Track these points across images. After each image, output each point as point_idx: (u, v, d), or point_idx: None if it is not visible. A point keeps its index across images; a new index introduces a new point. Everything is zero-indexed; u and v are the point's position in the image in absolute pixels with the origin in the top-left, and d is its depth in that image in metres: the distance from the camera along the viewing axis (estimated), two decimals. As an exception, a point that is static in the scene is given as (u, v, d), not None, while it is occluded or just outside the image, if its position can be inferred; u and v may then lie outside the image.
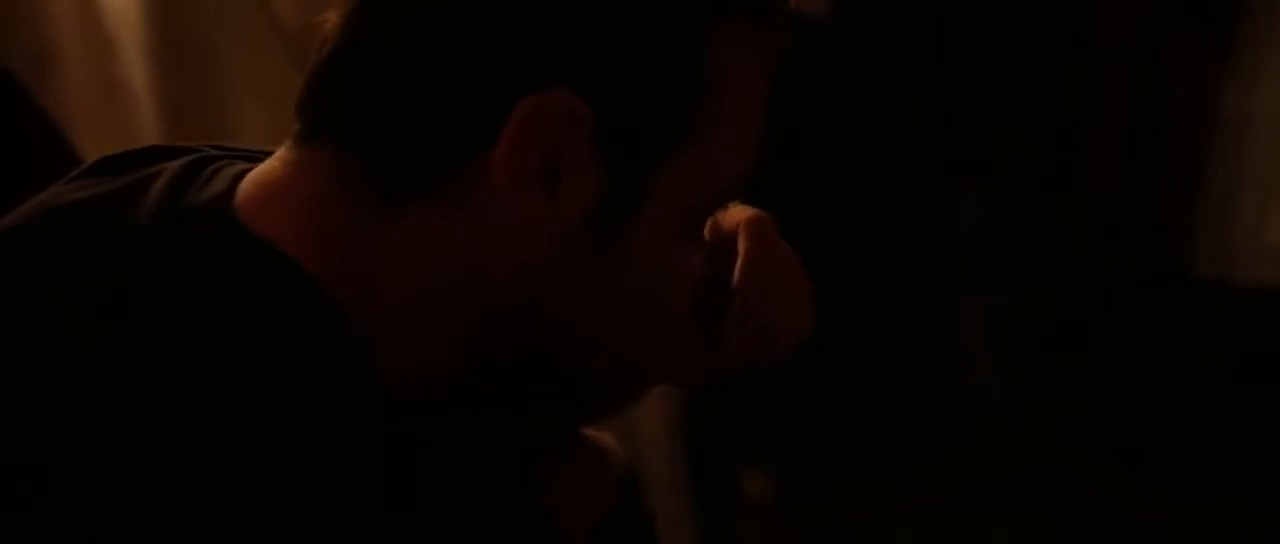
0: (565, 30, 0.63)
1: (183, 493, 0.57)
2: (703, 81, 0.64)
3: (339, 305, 0.63)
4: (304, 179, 0.66)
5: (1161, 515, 2.76)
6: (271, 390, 0.59)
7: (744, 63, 0.66)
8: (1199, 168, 2.73)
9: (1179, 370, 2.96)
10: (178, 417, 0.58)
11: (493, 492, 0.65)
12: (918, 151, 2.94)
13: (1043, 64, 2.92)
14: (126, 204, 0.67)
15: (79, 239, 0.67)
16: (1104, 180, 2.92)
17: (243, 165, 0.69)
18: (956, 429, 3.06)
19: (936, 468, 2.93)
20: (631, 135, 0.64)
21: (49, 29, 1.91)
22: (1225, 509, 2.78)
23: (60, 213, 0.69)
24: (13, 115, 1.67)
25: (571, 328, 0.67)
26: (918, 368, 2.85)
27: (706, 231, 0.74)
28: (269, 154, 0.70)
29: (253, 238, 0.64)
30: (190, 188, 0.67)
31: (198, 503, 0.57)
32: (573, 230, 0.64)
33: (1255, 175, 2.64)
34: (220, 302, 0.61)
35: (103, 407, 0.59)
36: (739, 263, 0.74)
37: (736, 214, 0.76)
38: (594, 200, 0.64)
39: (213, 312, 0.61)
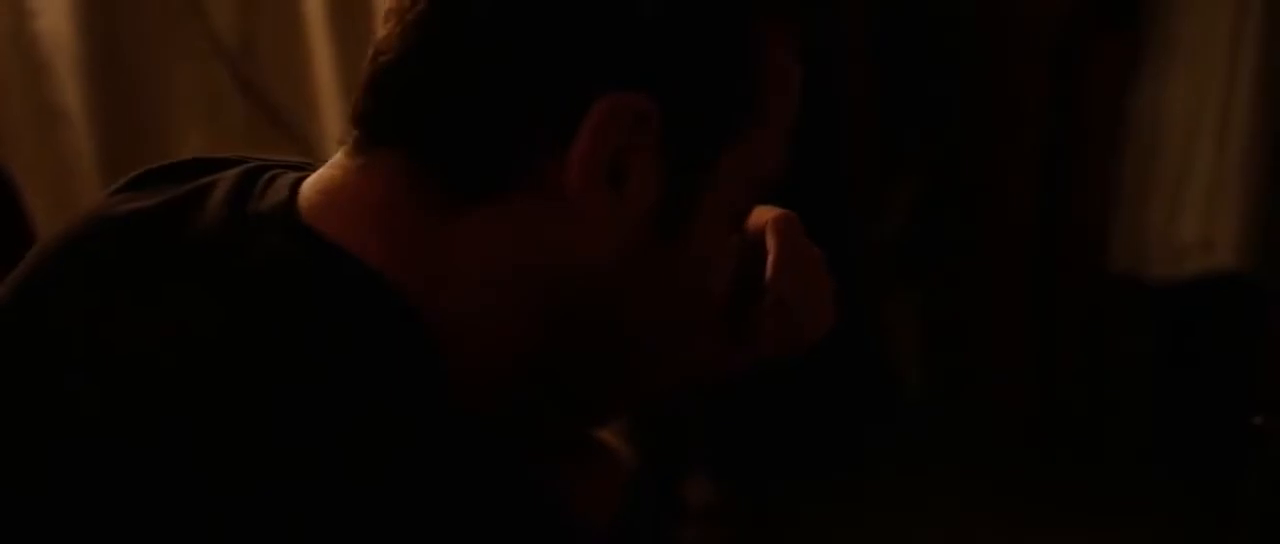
0: (632, 33, 0.64)
1: (274, 489, 0.57)
2: (754, 77, 0.66)
3: (411, 307, 0.64)
4: (370, 185, 0.66)
5: (1087, 503, 2.84)
6: (349, 390, 0.60)
7: (785, 58, 0.68)
8: (1113, 169, 2.80)
9: (1099, 364, 3.04)
10: (260, 420, 0.58)
11: (516, 487, 0.64)
12: (847, 154, 2.99)
13: (964, 69, 2.98)
14: (185, 215, 0.68)
15: (145, 251, 0.67)
16: (1024, 182, 2.98)
17: (295, 174, 0.70)
18: (890, 426, 3.11)
19: (873, 465, 2.98)
20: (694, 133, 0.65)
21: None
22: (1143, 499, 2.87)
23: (118, 225, 0.69)
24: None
25: (624, 323, 0.68)
26: (849, 367, 2.90)
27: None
28: (310, 165, 0.71)
29: (323, 242, 0.65)
30: (250, 197, 0.68)
31: (286, 498, 0.57)
32: (637, 227, 0.65)
33: (1165, 175, 2.69)
34: (295, 306, 0.62)
35: (191, 411, 0.59)
36: (771, 259, 0.75)
37: (762, 213, 0.78)
38: (658, 197, 0.65)
39: (288, 316, 0.62)
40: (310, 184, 0.69)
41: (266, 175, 0.70)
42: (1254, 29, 2.50)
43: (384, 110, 0.67)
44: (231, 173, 0.70)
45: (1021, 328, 3.07)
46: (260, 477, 0.57)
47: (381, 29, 0.68)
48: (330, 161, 0.70)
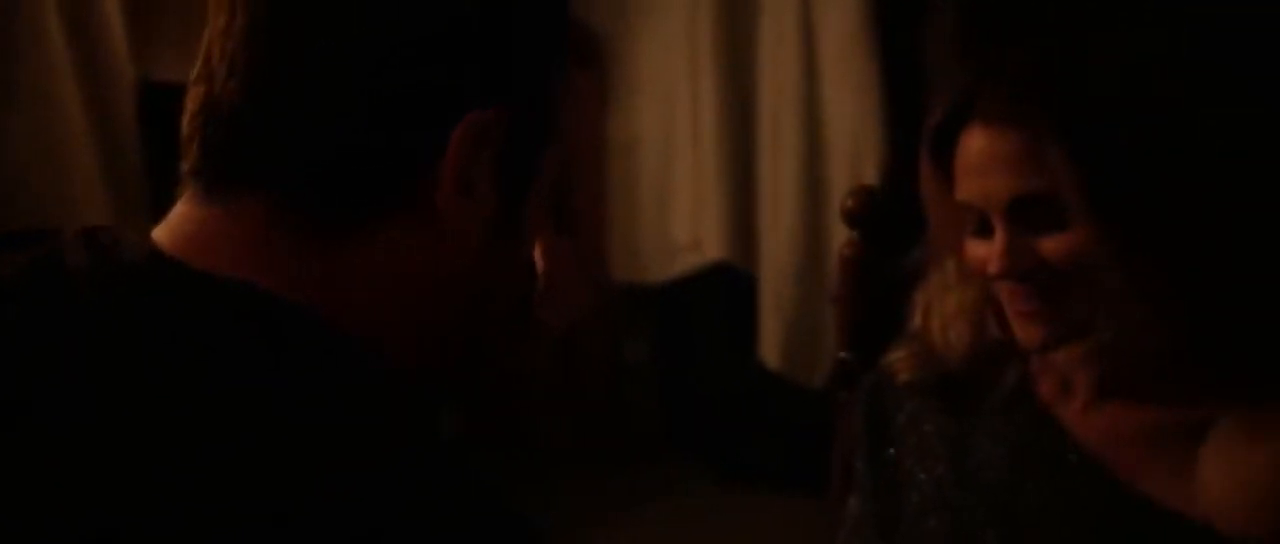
0: (479, 55, 0.69)
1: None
2: (563, 89, 0.74)
3: (306, 310, 0.67)
4: (239, 226, 0.68)
5: (618, 502, 3.12)
6: (323, 419, 0.63)
7: (578, 76, 0.77)
8: (603, 192, 3.09)
9: (615, 369, 3.34)
10: (252, 479, 0.60)
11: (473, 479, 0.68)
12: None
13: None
14: (42, 279, 0.68)
15: (21, 319, 0.67)
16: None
17: (133, 233, 0.71)
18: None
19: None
20: (525, 141, 0.72)
21: None
22: (665, 484, 3.20)
23: None
24: None
25: (486, 312, 0.75)
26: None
27: None
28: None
29: (226, 281, 0.66)
30: (103, 254, 0.69)
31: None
32: (486, 231, 0.71)
33: (649, 190, 3.00)
34: (232, 348, 0.64)
35: (141, 454, 0.61)
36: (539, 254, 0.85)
37: None
38: (502, 199, 0.72)
39: (228, 360, 0.64)
40: (165, 234, 0.70)
41: (100, 235, 0.71)
42: (707, 52, 2.82)
43: (239, 158, 0.69)
44: (67, 237, 0.70)
45: (547, 352, 3.29)
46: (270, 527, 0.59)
47: (203, 83, 0.70)
48: (175, 213, 0.71)
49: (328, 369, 0.67)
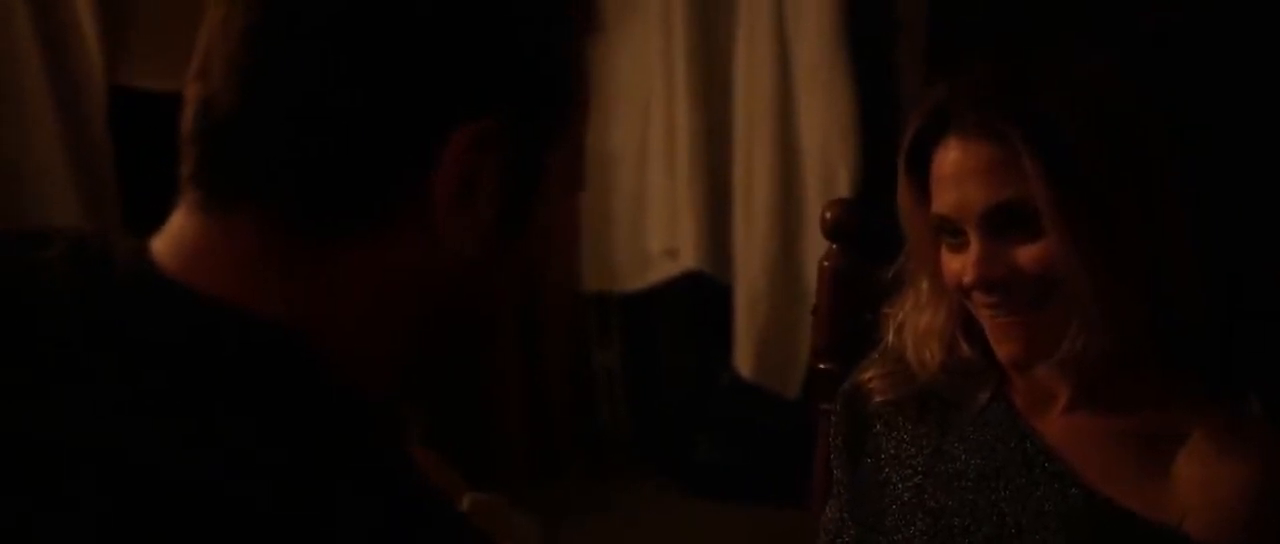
0: (476, 67, 0.68)
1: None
2: (572, 87, 0.73)
3: (316, 354, 0.67)
4: (232, 241, 0.68)
5: (582, 500, 3.13)
6: (294, 457, 0.63)
7: (589, 68, 0.75)
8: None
9: (582, 375, 3.34)
10: (199, 484, 0.60)
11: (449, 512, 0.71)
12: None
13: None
14: (30, 288, 0.68)
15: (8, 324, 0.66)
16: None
17: (128, 240, 0.70)
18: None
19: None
20: (529, 144, 0.71)
21: None
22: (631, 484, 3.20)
23: None
24: None
25: (484, 310, 0.75)
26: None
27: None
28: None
29: (214, 304, 0.66)
30: (90, 268, 0.68)
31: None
32: (489, 234, 0.71)
33: (623, 202, 3.01)
34: (207, 377, 0.64)
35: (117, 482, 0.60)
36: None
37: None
38: (505, 205, 0.71)
39: (203, 389, 0.63)
40: (163, 246, 0.70)
41: (90, 244, 0.70)
42: (682, 63, 2.83)
43: (235, 168, 0.69)
44: (61, 248, 0.70)
45: (514, 359, 3.29)
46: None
47: (200, 81, 0.69)
48: (174, 223, 0.71)
49: (287, 416, 0.66)
